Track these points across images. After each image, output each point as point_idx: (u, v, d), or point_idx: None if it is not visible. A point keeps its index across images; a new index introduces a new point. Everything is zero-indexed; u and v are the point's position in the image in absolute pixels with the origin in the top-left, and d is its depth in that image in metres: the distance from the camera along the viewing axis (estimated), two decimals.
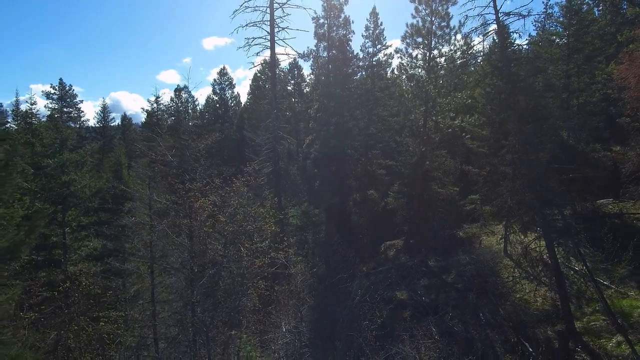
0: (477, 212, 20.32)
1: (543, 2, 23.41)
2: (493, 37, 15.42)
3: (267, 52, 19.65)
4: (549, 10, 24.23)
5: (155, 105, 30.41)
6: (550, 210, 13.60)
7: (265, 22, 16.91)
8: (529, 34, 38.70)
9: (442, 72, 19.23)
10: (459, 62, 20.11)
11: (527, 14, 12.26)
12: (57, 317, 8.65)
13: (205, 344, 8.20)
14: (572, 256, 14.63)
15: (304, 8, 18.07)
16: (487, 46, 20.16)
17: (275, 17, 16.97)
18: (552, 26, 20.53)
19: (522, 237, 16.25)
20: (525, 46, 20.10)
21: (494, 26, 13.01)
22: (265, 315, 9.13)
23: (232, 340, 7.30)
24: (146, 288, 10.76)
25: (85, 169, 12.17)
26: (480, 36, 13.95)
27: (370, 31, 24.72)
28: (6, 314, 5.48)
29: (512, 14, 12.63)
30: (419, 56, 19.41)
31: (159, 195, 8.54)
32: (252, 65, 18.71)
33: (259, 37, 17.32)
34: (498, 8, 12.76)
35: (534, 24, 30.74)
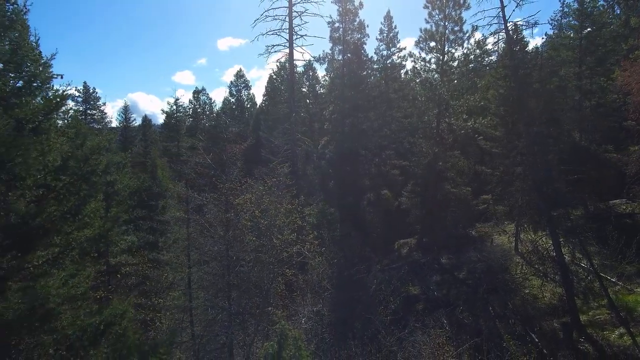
0: (489, 211, 21.30)
1: (560, 1, 24.15)
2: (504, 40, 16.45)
3: (284, 57, 21.17)
4: (566, 9, 24.99)
5: (174, 107, 32.34)
6: (557, 210, 14.56)
7: (285, 30, 18.34)
8: (545, 32, 39.02)
9: (455, 75, 20.22)
10: (472, 65, 21.08)
11: (534, 23, 13.30)
12: (116, 297, 10.26)
13: (240, 324, 9.68)
14: (580, 254, 15.54)
15: (321, 16, 19.50)
16: (501, 46, 21.12)
17: (293, 25, 18.38)
18: (566, 30, 21.30)
19: (533, 235, 17.23)
20: (539, 46, 20.88)
21: (502, 34, 14.06)
22: (290, 301, 10.54)
23: (265, 317, 8.71)
24: (183, 277, 12.30)
25: (125, 170, 13.83)
26: (494, 37, 14.83)
27: (385, 34, 25.93)
28: (86, 290, 6.99)
29: (521, 24, 13.69)
30: (432, 60, 20.50)
31: (199, 193, 10.02)
32: (272, 71, 20.08)
33: (277, 45, 18.80)
34: (507, 18, 13.83)
35: (551, 22, 31.36)
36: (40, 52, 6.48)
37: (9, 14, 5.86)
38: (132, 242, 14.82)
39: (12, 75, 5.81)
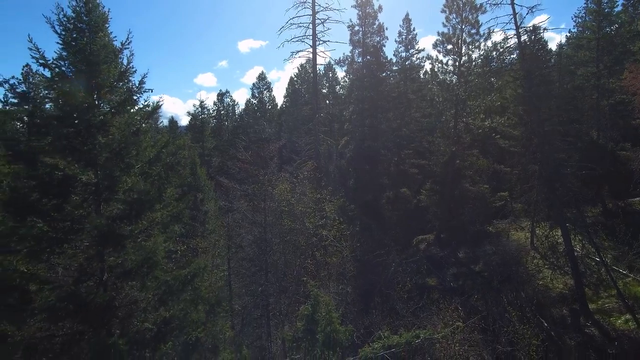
0: (507, 208, 22.62)
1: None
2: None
3: (305, 60, 23.29)
4: (590, 6, 26.10)
5: (199, 109, 35.15)
6: (570, 206, 15.92)
7: (308, 37, 20.44)
8: (569, 29, 39.79)
9: (472, 77, 21.71)
10: (493, 64, 22.49)
11: (544, 29, 14.81)
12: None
13: (277, 296, 11.75)
14: (591, 246, 16.80)
15: (343, 22, 21.41)
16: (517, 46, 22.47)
17: (316, 32, 20.46)
18: (586, 32, 22.43)
19: (548, 230, 18.54)
20: (563, 44, 22.09)
21: (515, 40, 15.61)
22: (319, 279, 12.48)
23: (298, 291, 10.69)
24: (222, 260, 14.48)
25: None
26: (508, 42, 16.31)
27: (404, 36, 27.69)
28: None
29: (533, 29, 15.22)
30: (450, 62, 22.07)
31: (240, 185, 12.14)
32: (293, 74, 22.14)
33: (301, 50, 20.95)
34: (519, 24, 15.39)
35: (574, 19, 32.31)
36: (135, 70, 8.72)
37: (116, 44, 8.13)
38: (174, 231, 17.25)
39: (119, 89, 8.06)
